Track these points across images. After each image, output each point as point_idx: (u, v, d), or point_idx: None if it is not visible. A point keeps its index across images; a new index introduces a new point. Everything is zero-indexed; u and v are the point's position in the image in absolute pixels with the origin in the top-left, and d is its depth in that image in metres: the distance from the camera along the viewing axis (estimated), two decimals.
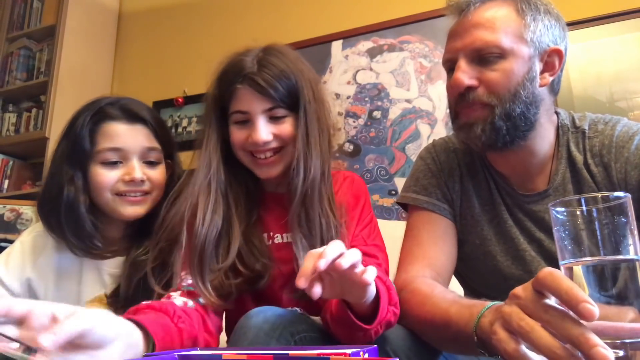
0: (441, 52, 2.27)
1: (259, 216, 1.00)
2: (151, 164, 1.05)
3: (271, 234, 0.99)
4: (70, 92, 2.76)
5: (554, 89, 0.92)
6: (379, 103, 2.34)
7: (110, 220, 1.06)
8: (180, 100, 2.77)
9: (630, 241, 0.50)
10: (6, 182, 2.78)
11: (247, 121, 0.95)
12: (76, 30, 2.83)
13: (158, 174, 1.06)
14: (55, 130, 2.65)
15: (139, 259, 1.03)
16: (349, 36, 2.45)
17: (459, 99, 0.88)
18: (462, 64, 0.87)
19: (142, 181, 1.02)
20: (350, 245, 0.90)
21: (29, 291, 1.07)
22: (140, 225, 1.05)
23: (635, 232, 0.50)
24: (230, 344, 0.79)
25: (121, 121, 1.04)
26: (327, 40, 2.49)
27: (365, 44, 2.43)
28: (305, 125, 0.96)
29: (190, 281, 0.90)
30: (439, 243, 0.94)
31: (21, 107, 2.90)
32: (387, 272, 0.93)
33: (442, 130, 2.20)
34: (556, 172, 0.92)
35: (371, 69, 2.39)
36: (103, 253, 1.06)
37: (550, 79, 0.89)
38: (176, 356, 0.61)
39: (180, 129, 2.75)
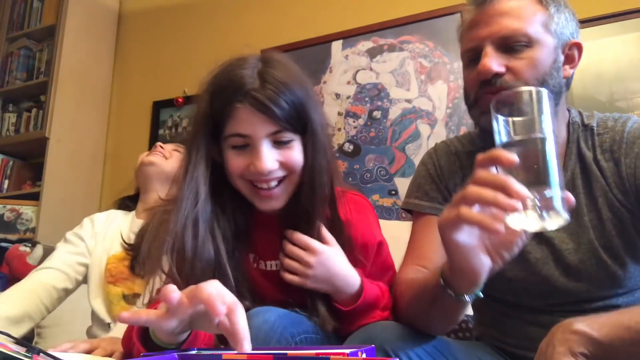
0: (441, 52, 2.28)
1: (247, 244, 0.92)
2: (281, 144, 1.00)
3: (260, 261, 0.93)
4: (70, 92, 2.76)
5: (568, 83, 0.92)
6: (379, 103, 2.34)
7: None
8: (180, 100, 2.77)
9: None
10: (6, 182, 2.78)
11: (247, 145, 0.84)
12: (76, 30, 2.83)
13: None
14: (55, 130, 2.65)
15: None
16: (349, 36, 2.45)
17: (483, 85, 0.87)
18: (489, 50, 0.85)
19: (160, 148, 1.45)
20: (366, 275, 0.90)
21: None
22: None
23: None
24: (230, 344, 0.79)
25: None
26: (327, 40, 2.49)
27: (365, 44, 2.43)
28: (314, 150, 0.86)
29: None
30: (436, 243, 0.92)
31: (21, 107, 2.90)
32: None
33: (442, 130, 2.20)
34: (565, 168, 0.91)
35: (371, 69, 2.39)
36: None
37: (571, 71, 0.90)
38: (176, 356, 0.61)
39: (180, 129, 2.76)
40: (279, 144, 0.84)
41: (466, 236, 0.63)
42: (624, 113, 0.97)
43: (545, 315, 0.88)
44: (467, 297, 0.72)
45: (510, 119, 0.61)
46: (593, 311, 0.74)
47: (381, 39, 2.40)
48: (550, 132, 0.60)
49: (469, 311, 1.19)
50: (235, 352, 0.58)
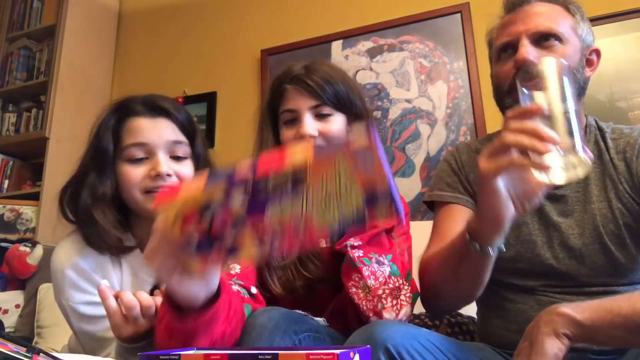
0: (441, 52, 2.28)
1: None
2: (178, 158, 1.01)
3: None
4: (70, 92, 2.76)
5: (585, 88, 1.00)
6: (379, 103, 2.34)
7: (141, 219, 1.01)
8: (180, 100, 2.77)
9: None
10: (6, 182, 2.78)
11: (295, 120, 1.01)
12: (76, 30, 2.83)
13: (185, 168, 1.01)
14: (55, 130, 2.65)
15: None
16: (349, 36, 2.45)
17: (518, 73, 0.95)
18: (525, 42, 0.93)
19: (169, 175, 0.97)
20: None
21: None
22: None
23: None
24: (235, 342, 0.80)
25: (144, 116, 1.01)
26: (327, 40, 2.49)
27: (365, 44, 2.43)
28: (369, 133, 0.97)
29: (237, 270, 0.92)
30: (458, 226, 0.97)
31: (21, 107, 2.90)
32: (404, 268, 0.98)
33: (442, 130, 2.20)
34: None
35: (371, 69, 2.39)
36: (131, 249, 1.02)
37: (590, 74, 0.99)
38: (176, 356, 0.61)
39: None
40: (320, 117, 1.00)
41: (502, 183, 0.72)
42: (623, 113, 1.02)
43: (548, 298, 0.92)
44: (491, 250, 0.79)
45: (533, 84, 0.71)
46: (593, 295, 0.84)
47: (381, 39, 2.40)
48: (570, 93, 0.70)
49: (470, 312, 1.19)
50: (193, 351, 0.58)
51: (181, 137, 1.02)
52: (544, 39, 0.94)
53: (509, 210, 0.75)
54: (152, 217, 0.93)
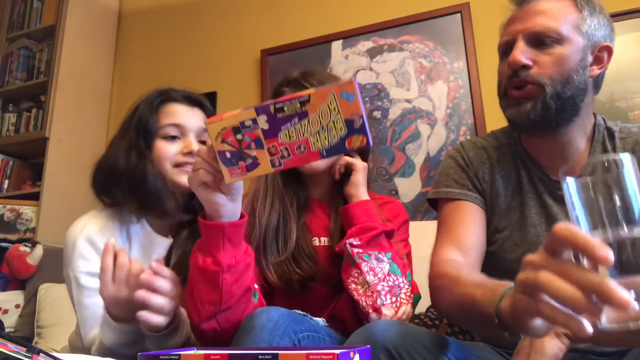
0: (441, 52, 2.28)
1: (305, 222, 1.12)
2: (203, 142, 1.14)
3: (314, 237, 1.11)
4: (70, 92, 2.76)
5: (597, 85, 0.97)
6: (379, 103, 2.34)
7: (167, 192, 1.10)
8: None
9: None
10: (6, 182, 2.78)
11: None
12: (76, 30, 2.83)
13: None
14: (55, 130, 2.65)
15: (188, 248, 1.02)
16: (349, 36, 2.45)
17: (511, 76, 0.94)
18: (520, 44, 0.92)
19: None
20: None
21: None
22: (187, 203, 1.12)
23: None
24: (234, 342, 0.80)
25: (182, 103, 1.16)
26: (327, 40, 2.49)
27: (365, 44, 2.43)
28: None
29: None
30: (467, 224, 0.98)
31: (21, 107, 2.90)
32: (404, 267, 1.01)
33: (442, 130, 2.20)
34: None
35: (371, 69, 2.39)
36: (161, 219, 1.13)
37: (599, 71, 0.95)
38: (176, 356, 0.61)
39: None
40: None
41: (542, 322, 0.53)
42: (624, 113, 1.01)
43: None
44: (522, 335, 0.71)
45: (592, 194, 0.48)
46: None
47: (381, 39, 2.40)
48: None
49: None
50: (193, 351, 0.59)
51: None
52: (540, 40, 0.92)
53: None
54: (177, 189, 1.10)
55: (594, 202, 0.47)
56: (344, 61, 2.44)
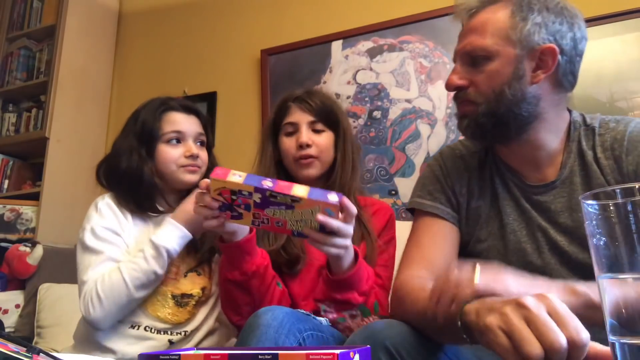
0: (441, 52, 2.28)
1: None
2: (201, 144, 1.35)
3: None
4: (70, 92, 2.76)
5: (560, 84, 0.92)
6: (379, 103, 2.34)
7: (169, 190, 1.33)
8: None
9: None
10: (6, 182, 2.78)
11: (295, 132, 1.27)
12: (76, 30, 2.83)
13: (205, 154, 1.35)
14: (55, 130, 2.65)
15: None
16: (349, 36, 2.45)
17: (455, 95, 0.97)
18: (457, 66, 0.96)
19: (197, 156, 1.31)
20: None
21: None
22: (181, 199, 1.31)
23: None
24: (240, 342, 0.81)
25: (181, 111, 1.34)
26: (327, 40, 2.49)
27: (365, 44, 2.43)
28: (344, 142, 1.29)
29: None
30: (439, 245, 0.97)
31: (21, 107, 2.90)
32: (385, 288, 1.16)
33: (442, 130, 2.20)
34: (564, 165, 0.95)
35: (371, 69, 2.39)
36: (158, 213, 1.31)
37: (543, 76, 0.90)
38: (176, 356, 0.62)
39: None
40: (315, 131, 1.28)
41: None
42: (623, 113, 1.00)
43: None
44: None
45: None
46: None
47: (381, 39, 2.40)
48: None
49: None
50: (193, 351, 0.62)
51: (202, 131, 1.36)
52: (472, 59, 0.92)
53: None
54: (179, 187, 1.33)
55: None
56: (344, 61, 2.44)
